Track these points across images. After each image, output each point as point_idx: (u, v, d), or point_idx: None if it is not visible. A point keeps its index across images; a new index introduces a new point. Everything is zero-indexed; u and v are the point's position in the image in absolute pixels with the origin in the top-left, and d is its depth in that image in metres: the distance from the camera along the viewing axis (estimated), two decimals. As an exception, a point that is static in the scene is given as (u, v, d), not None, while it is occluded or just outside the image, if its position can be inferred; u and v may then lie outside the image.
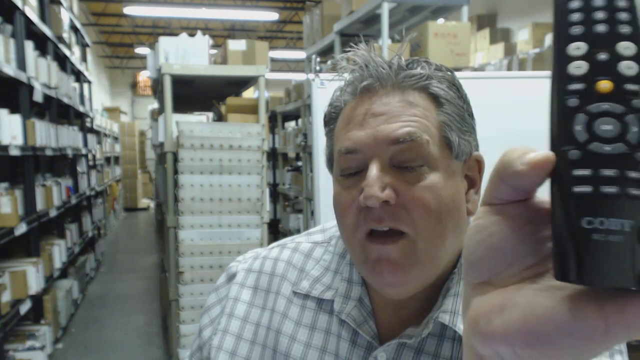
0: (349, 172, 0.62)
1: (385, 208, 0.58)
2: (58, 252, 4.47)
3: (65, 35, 5.34)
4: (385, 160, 0.60)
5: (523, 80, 2.48)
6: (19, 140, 3.54)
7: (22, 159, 3.77)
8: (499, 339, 0.30)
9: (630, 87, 0.28)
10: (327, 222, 0.80)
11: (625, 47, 0.29)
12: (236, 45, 3.64)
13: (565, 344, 0.27)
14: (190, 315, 3.05)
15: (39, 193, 4.02)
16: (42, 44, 4.53)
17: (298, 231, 5.26)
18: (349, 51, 0.65)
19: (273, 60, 13.31)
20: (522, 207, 0.30)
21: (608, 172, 0.27)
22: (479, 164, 0.66)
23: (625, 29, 0.29)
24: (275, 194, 6.75)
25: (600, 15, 0.29)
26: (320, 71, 4.65)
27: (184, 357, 3.05)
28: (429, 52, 3.45)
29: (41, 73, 4.18)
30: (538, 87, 2.44)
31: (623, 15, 0.29)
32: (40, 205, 4.01)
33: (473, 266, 0.32)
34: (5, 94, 3.95)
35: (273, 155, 6.75)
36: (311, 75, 2.68)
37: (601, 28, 0.29)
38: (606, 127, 0.28)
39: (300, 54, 11.89)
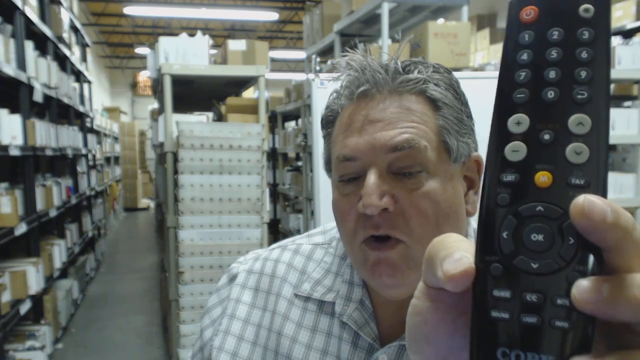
0: (347, 178, 0.62)
1: (384, 215, 0.59)
2: (58, 252, 4.46)
3: (65, 35, 5.33)
4: (384, 168, 0.60)
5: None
6: (19, 140, 3.53)
7: (22, 159, 3.76)
8: None
9: (575, 180, 0.22)
10: (327, 224, 0.79)
11: (578, 123, 0.22)
12: (236, 45, 3.63)
13: None
14: (190, 315, 3.05)
15: (39, 193, 4.02)
16: (42, 44, 4.52)
17: (298, 231, 5.25)
18: (346, 55, 0.65)
19: (273, 60, 13.30)
20: (457, 296, 0.27)
21: (531, 297, 0.23)
22: (478, 164, 0.66)
23: (581, 95, 0.22)
24: (275, 194, 6.75)
25: (552, 73, 0.22)
26: (320, 71, 4.65)
27: (184, 357, 3.05)
28: (429, 52, 3.45)
29: (41, 73, 4.18)
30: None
31: (582, 74, 0.22)
32: (40, 205, 4.01)
33: (412, 351, 0.30)
34: (5, 94, 3.95)
35: (273, 155, 6.75)
36: (311, 75, 2.68)
37: (550, 93, 0.22)
38: (537, 236, 0.23)
39: (300, 54, 11.88)
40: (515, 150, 0.23)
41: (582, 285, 0.21)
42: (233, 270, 0.80)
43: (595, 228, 0.21)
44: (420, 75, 0.62)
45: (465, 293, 0.26)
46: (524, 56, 0.23)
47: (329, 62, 4.95)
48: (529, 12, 0.23)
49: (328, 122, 0.67)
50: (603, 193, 0.22)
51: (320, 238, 0.79)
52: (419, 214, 0.58)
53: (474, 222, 0.69)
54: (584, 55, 0.22)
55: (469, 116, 0.65)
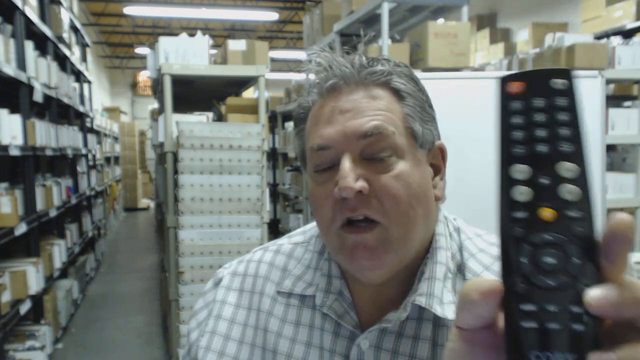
0: (322, 168, 0.65)
1: (359, 198, 0.62)
2: (58, 252, 4.46)
3: (65, 35, 5.33)
4: (356, 154, 0.63)
5: (523, 80, 2.48)
6: (19, 140, 3.53)
7: (22, 159, 3.76)
8: None
9: (571, 214, 0.28)
10: (307, 225, 0.83)
11: (567, 169, 0.28)
12: (236, 45, 3.63)
13: None
14: (190, 315, 3.05)
15: (39, 193, 4.02)
16: (42, 44, 4.52)
17: (298, 231, 5.25)
18: (313, 54, 0.69)
19: (273, 60, 13.30)
20: (488, 333, 0.31)
21: (552, 307, 0.28)
22: (442, 151, 0.70)
23: (566, 148, 0.28)
24: (275, 194, 6.75)
25: (541, 132, 0.29)
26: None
27: (184, 357, 3.06)
28: (429, 52, 3.45)
29: (41, 73, 4.18)
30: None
31: (564, 132, 0.28)
32: (40, 205, 4.01)
33: None
34: (5, 94, 3.95)
35: (273, 155, 6.75)
36: (311, 76, 2.68)
37: (542, 148, 0.29)
38: (548, 259, 0.28)
39: (300, 54, 11.89)
40: (522, 193, 0.29)
41: (594, 293, 0.26)
42: (218, 274, 0.83)
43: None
44: (384, 67, 0.66)
45: (492, 329, 0.30)
46: (517, 119, 0.29)
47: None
48: (517, 86, 0.30)
49: (300, 120, 0.71)
50: (594, 222, 0.28)
51: (300, 237, 0.82)
52: (392, 195, 0.62)
53: (443, 208, 0.73)
54: (564, 117, 0.28)
55: (430, 106, 0.70)
